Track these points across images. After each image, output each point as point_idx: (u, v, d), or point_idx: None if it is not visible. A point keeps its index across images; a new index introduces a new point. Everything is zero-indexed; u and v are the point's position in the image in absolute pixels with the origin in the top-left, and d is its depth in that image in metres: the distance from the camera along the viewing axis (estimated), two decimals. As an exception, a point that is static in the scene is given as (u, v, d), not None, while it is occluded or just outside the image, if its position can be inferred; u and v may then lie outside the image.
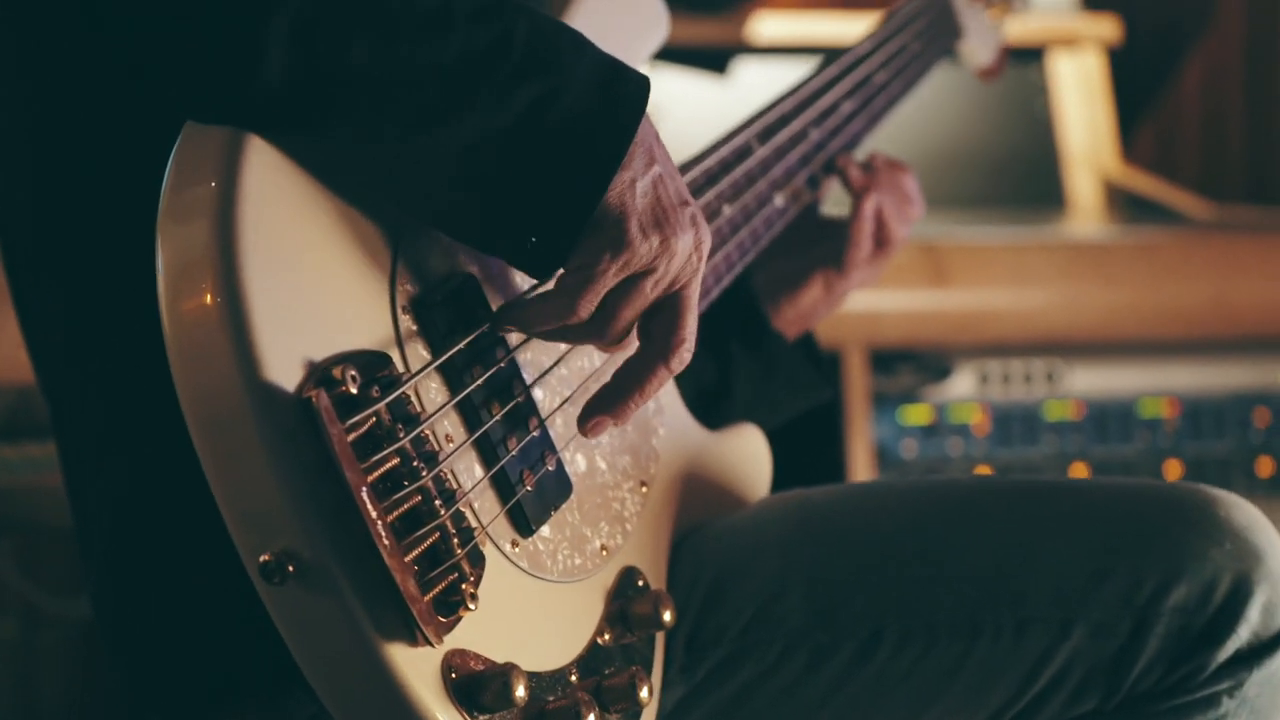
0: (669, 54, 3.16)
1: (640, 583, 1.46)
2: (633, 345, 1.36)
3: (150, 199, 1.22)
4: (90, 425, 1.46)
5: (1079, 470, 2.87)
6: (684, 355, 1.34)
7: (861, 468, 2.74)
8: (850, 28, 3.16)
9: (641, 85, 1.29)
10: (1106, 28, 3.42)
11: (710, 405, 1.78)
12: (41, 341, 1.51)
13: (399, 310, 1.29)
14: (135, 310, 1.28)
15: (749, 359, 1.85)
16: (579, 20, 1.59)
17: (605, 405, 1.36)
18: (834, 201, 1.88)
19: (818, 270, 1.86)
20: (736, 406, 1.83)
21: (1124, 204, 3.31)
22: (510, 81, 1.23)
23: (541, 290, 1.34)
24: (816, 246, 1.86)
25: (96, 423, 1.45)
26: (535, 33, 1.26)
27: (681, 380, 1.65)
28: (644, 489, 1.53)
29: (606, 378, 1.44)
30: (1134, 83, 3.60)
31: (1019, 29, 2.92)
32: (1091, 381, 2.89)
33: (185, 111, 1.23)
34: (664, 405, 1.61)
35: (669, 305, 1.33)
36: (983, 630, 1.48)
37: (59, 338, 1.48)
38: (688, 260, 1.31)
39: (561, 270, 1.29)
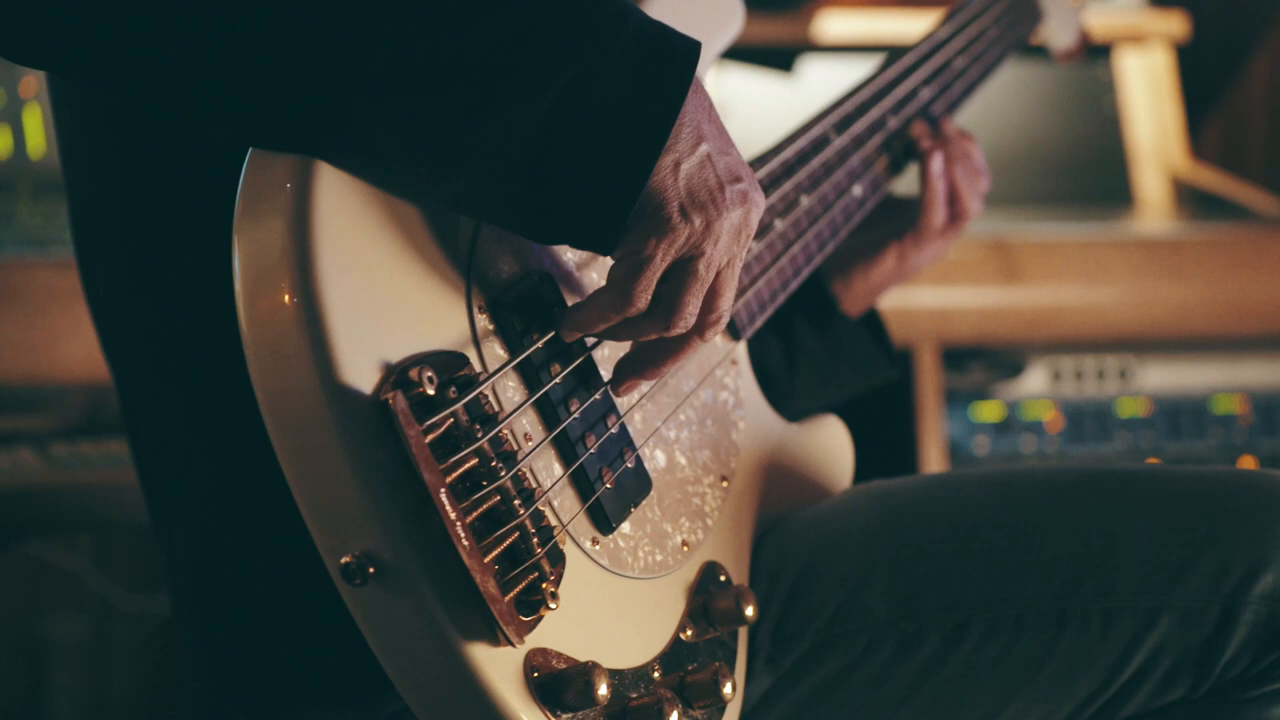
0: (735, 52, 3.16)
1: (722, 577, 1.46)
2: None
3: (228, 201, 1.22)
4: (170, 427, 1.47)
5: (1152, 467, 2.85)
6: (718, 328, 1.31)
7: (934, 465, 2.74)
8: (916, 25, 3.15)
9: (687, 57, 1.25)
10: (1174, 24, 3.40)
11: (774, 385, 1.77)
12: (118, 342, 1.52)
13: (475, 310, 1.28)
14: (214, 311, 1.28)
15: (815, 340, 1.84)
16: (653, 10, 1.57)
17: (637, 369, 1.35)
18: (904, 185, 1.87)
19: (891, 243, 1.85)
20: (801, 386, 1.82)
21: (1191, 200, 3.29)
22: (542, 70, 1.20)
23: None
24: (888, 220, 1.85)
25: (176, 425, 1.46)
26: (570, 11, 1.22)
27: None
28: (725, 483, 1.52)
29: (686, 369, 1.44)
30: (1201, 79, 3.58)
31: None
32: (1164, 378, 2.88)
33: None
34: (744, 399, 1.60)
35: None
36: (1070, 620, 1.47)
37: (137, 338, 1.49)
38: (735, 238, 1.28)
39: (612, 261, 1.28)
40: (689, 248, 1.25)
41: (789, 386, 1.80)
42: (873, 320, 1.91)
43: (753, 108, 3.20)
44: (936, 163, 1.80)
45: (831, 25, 3.24)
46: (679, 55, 1.24)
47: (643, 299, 1.26)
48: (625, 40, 1.23)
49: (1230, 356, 2.90)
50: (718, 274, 1.29)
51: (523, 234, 1.27)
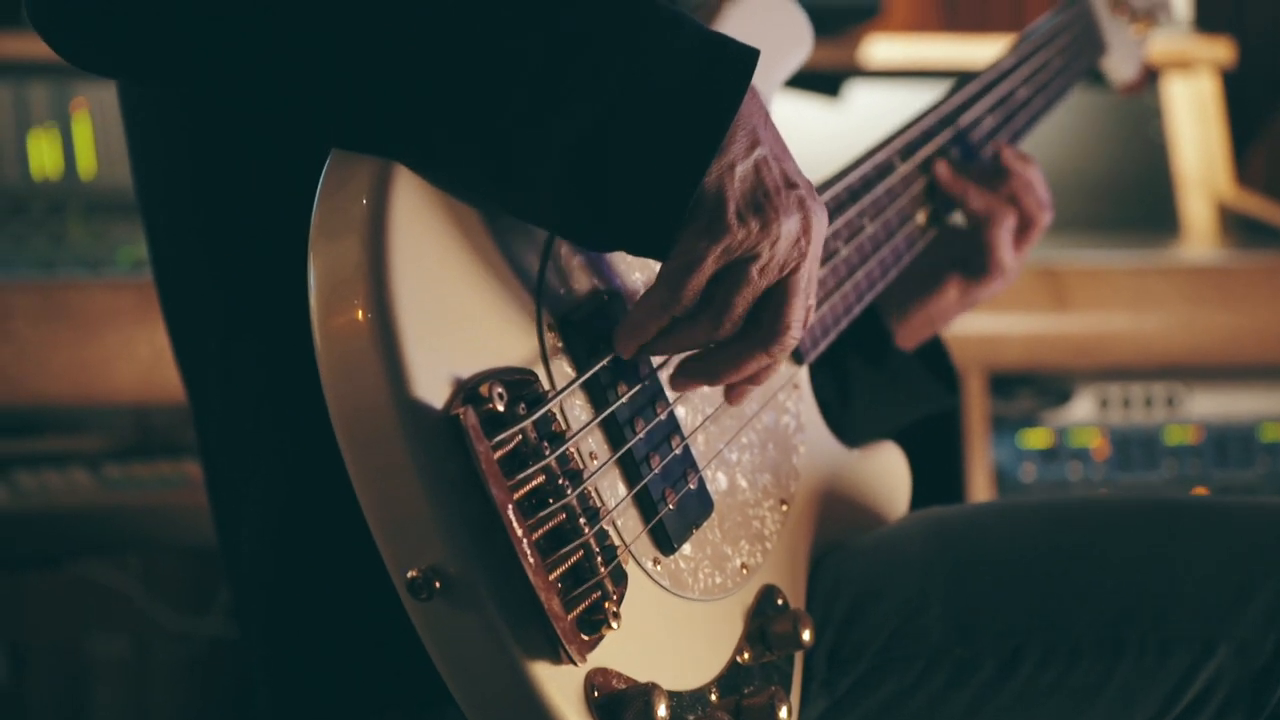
0: (782, 78, 3.17)
1: (780, 601, 1.46)
2: None
3: (304, 217, 1.23)
4: (241, 436, 1.48)
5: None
6: (787, 342, 1.29)
7: (981, 491, 2.74)
8: (963, 51, 3.16)
9: (744, 62, 1.24)
10: (1220, 50, 3.40)
11: (828, 419, 1.77)
12: (193, 359, 1.54)
13: (544, 327, 1.29)
14: (288, 327, 1.29)
15: (870, 374, 1.84)
16: (724, 28, 1.58)
17: (701, 369, 1.33)
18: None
19: (952, 277, 1.83)
20: (856, 416, 1.82)
21: (1237, 227, 3.28)
22: (598, 70, 1.20)
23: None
24: (948, 250, 1.83)
25: (247, 434, 1.48)
26: (627, 15, 1.22)
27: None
28: (784, 507, 1.52)
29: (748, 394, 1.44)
30: (1247, 105, 3.58)
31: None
32: (1212, 406, 2.88)
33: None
34: (805, 423, 1.60)
35: (775, 291, 1.28)
36: (1126, 649, 1.47)
37: (211, 357, 1.50)
38: (794, 244, 1.26)
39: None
40: (743, 250, 1.25)
41: (844, 417, 1.80)
42: (930, 348, 1.90)
43: (799, 132, 3.19)
44: (1002, 232, 1.79)
45: (878, 51, 3.25)
46: (736, 59, 1.24)
47: (689, 296, 1.25)
48: (682, 43, 1.23)
49: (1278, 385, 2.89)
50: (783, 284, 1.28)
51: (578, 239, 1.28)
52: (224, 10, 1.19)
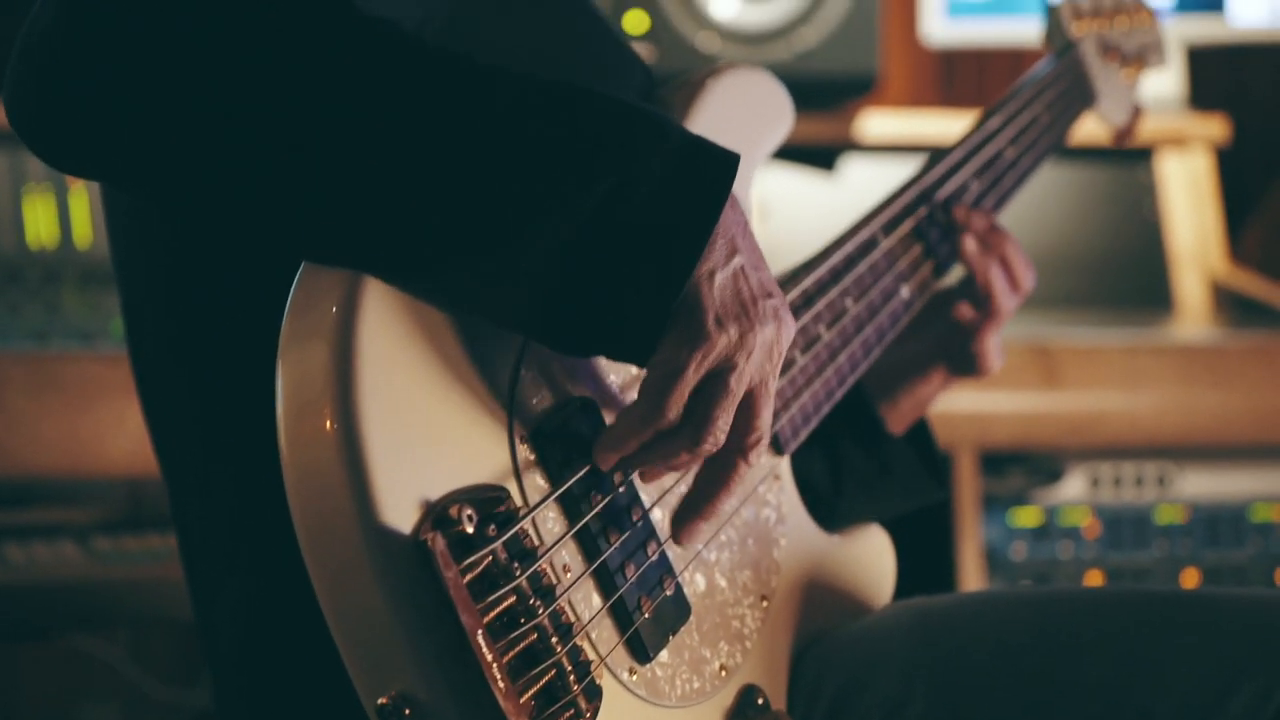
0: (778, 151, 3.17)
1: (760, 701, 1.45)
2: None
3: (281, 308, 1.23)
4: (217, 524, 1.48)
5: (1190, 575, 2.85)
6: (760, 449, 1.30)
7: (971, 569, 2.73)
8: (957, 125, 3.15)
9: (725, 169, 1.25)
10: (1214, 128, 3.41)
11: (820, 502, 1.77)
12: (169, 436, 1.54)
13: (517, 440, 1.28)
14: (261, 424, 1.29)
15: (862, 461, 1.83)
16: (704, 113, 1.58)
17: (693, 511, 1.34)
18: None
19: (939, 361, 1.83)
20: (847, 507, 1.81)
21: (1231, 305, 3.29)
22: (580, 180, 1.20)
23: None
24: (932, 330, 1.83)
25: (223, 522, 1.47)
26: (609, 123, 1.23)
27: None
28: (764, 603, 1.52)
29: None
30: (1241, 182, 3.59)
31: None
32: (1203, 486, 2.88)
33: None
34: (785, 515, 1.59)
35: (746, 399, 1.29)
36: None
37: (187, 434, 1.50)
38: (769, 354, 1.28)
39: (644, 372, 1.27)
40: (721, 360, 1.25)
41: (835, 506, 1.79)
42: (919, 437, 1.90)
43: (794, 206, 3.22)
44: (1007, 304, 1.80)
45: (873, 125, 3.26)
46: (716, 167, 1.25)
47: (674, 410, 1.26)
48: (663, 153, 1.23)
49: (1269, 465, 2.89)
50: (752, 393, 1.28)
51: (557, 347, 1.27)
52: (201, 128, 1.19)
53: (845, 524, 1.73)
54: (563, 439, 1.31)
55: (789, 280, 1.59)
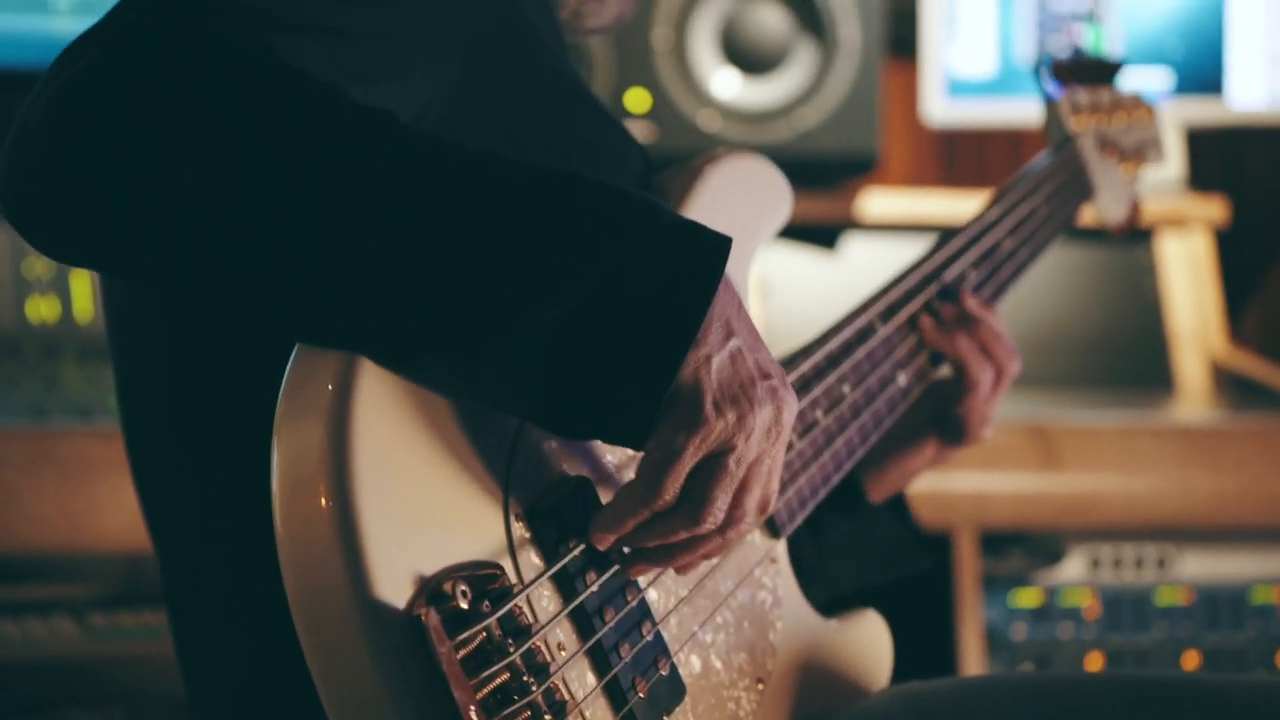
0: (779, 230, 3.18)
1: (754, 784, 1.45)
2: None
3: (273, 393, 1.23)
4: (208, 606, 1.48)
5: (1191, 658, 2.84)
6: (743, 529, 1.30)
7: (971, 650, 2.73)
8: (958, 205, 3.18)
9: (717, 253, 1.25)
10: (1214, 209, 3.42)
11: (808, 576, 1.77)
12: (161, 521, 1.54)
13: (512, 518, 1.28)
14: (255, 500, 1.29)
15: (842, 524, 1.83)
16: (701, 199, 1.58)
17: (660, 559, 1.33)
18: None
19: (930, 436, 1.84)
20: (832, 571, 1.81)
21: (1231, 386, 3.29)
22: (574, 266, 1.21)
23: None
24: (925, 408, 1.83)
25: (214, 604, 1.47)
26: (602, 208, 1.23)
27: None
28: (760, 686, 1.51)
29: (724, 569, 1.43)
30: (1241, 263, 3.60)
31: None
32: (1203, 567, 2.87)
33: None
34: (782, 598, 1.59)
35: (744, 478, 1.30)
36: None
37: (180, 521, 1.50)
38: (767, 434, 1.28)
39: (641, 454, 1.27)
40: (720, 442, 1.25)
41: (821, 572, 1.79)
42: (899, 505, 1.90)
43: (795, 284, 3.22)
44: (986, 378, 1.80)
45: (874, 204, 3.27)
46: (708, 251, 1.25)
47: (671, 491, 1.26)
48: (655, 238, 1.24)
49: (1269, 547, 2.89)
50: (751, 474, 1.29)
51: (552, 430, 1.27)
52: (190, 218, 1.19)
53: (832, 589, 1.73)
54: (558, 517, 1.31)
55: (786, 365, 1.60)
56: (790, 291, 3.21)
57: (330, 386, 1.20)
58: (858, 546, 1.85)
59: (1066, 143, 2.08)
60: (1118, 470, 2.77)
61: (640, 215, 1.24)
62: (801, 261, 3.25)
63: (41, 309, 2.86)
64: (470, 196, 1.21)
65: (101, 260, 1.25)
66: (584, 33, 1.72)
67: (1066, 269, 3.31)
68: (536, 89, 1.54)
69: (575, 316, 1.21)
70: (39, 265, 2.87)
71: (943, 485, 2.59)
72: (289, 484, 1.19)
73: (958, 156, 3.76)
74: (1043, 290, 3.26)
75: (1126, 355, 3.32)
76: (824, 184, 3.31)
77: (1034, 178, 2.00)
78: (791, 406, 1.30)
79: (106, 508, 2.34)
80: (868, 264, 3.22)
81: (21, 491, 2.33)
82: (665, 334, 1.23)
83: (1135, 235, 3.38)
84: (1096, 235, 3.31)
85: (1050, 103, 2.11)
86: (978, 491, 2.68)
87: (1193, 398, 3.24)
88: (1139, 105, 2.24)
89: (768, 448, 1.29)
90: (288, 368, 1.23)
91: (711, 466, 1.26)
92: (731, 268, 1.27)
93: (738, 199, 1.63)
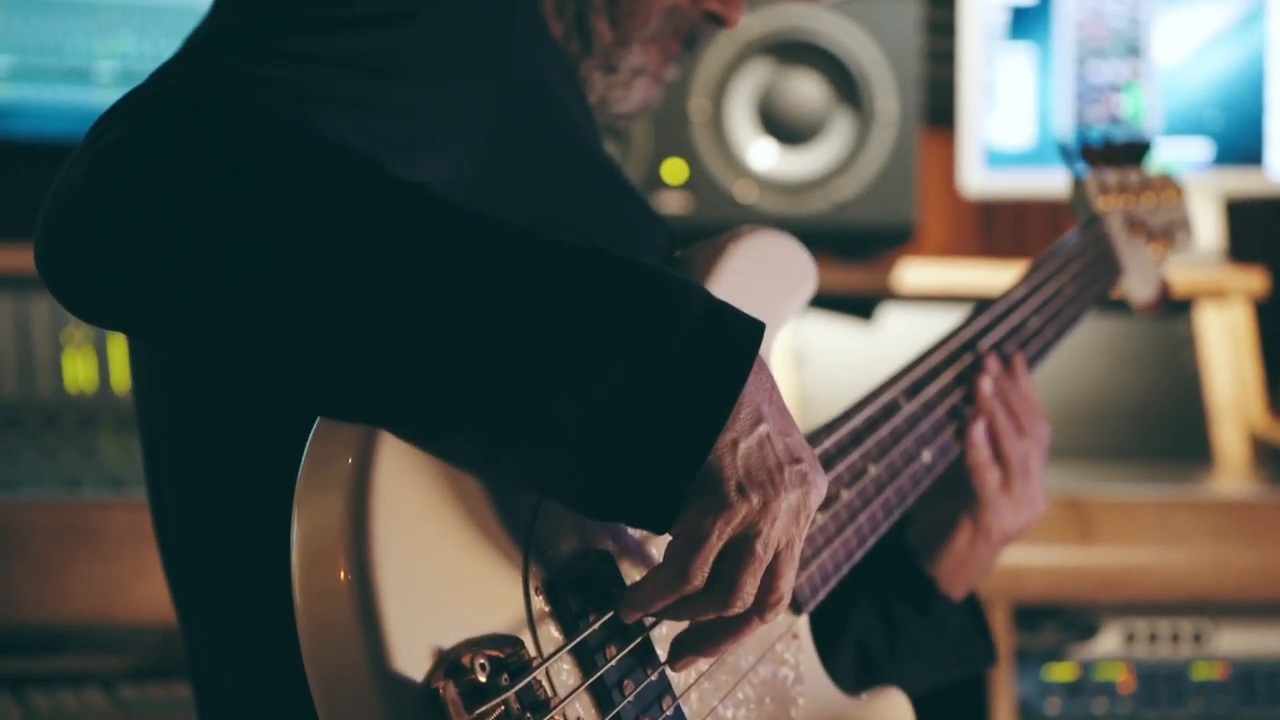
0: (816, 300, 3.17)
1: None
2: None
3: (295, 467, 1.23)
4: (230, 676, 1.48)
5: (1228, 733, 2.82)
6: (778, 609, 1.30)
7: (1005, 726, 2.71)
8: (995, 276, 3.18)
9: (749, 338, 1.25)
10: (1253, 280, 3.41)
11: (874, 668, 1.76)
12: (183, 587, 1.55)
13: (532, 591, 1.28)
14: (276, 572, 1.30)
15: (917, 624, 1.82)
16: (725, 276, 1.58)
17: (697, 646, 1.33)
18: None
19: (962, 512, 1.82)
20: (900, 671, 1.80)
21: (1271, 459, 3.27)
22: (606, 350, 1.21)
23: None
24: (956, 487, 1.82)
25: (237, 675, 1.48)
26: (636, 292, 1.23)
27: (841, 643, 1.62)
28: None
29: (745, 645, 1.42)
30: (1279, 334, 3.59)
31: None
32: (1239, 642, 2.85)
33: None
34: (804, 674, 1.58)
35: (772, 561, 1.29)
36: None
37: (202, 592, 1.51)
38: (795, 518, 1.27)
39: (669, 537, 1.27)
40: (745, 526, 1.25)
41: (891, 671, 1.78)
42: (974, 604, 1.89)
43: (831, 354, 3.22)
44: (978, 428, 1.79)
45: (911, 275, 3.27)
46: (741, 337, 1.25)
47: (699, 576, 1.26)
48: (688, 322, 1.24)
49: (1307, 621, 2.87)
50: (776, 554, 1.28)
51: (578, 510, 1.27)
52: (226, 279, 1.19)
53: (896, 686, 1.72)
54: (578, 591, 1.31)
55: (809, 441, 1.59)
56: (826, 362, 3.20)
57: (350, 460, 1.20)
58: (931, 647, 1.84)
59: (1093, 222, 2.08)
60: (1153, 543, 2.76)
61: (676, 298, 1.25)
62: (838, 332, 3.25)
63: (80, 378, 2.88)
64: (507, 277, 1.21)
65: (133, 322, 1.25)
66: (611, 119, 1.73)
67: (1105, 340, 3.30)
68: (565, 166, 1.54)
69: (606, 399, 1.21)
70: (78, 334, 2.89)
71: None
72: (308, 557, 1.19)
73: (996, 227, 3.76)
74: (1081, 361, 3.25)
75: (1165, 427, 3.31)
76: (861, 255, 3.31)
77: (1061, 256, 2.00)
78: (820, 489, 1.30)
79: (138, 580, 2.35)
80: (904, 334, 3.22)
81: (53, 563, 2.34)
82: (695, 420, 1.22)
83: (1174, 307, 3.37)
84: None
85: (1077, 182, 2.12)
86: (1011, 564, 2.66)
87: (1231, 470, 3.22)
88: (1168, 186, 2.24)
89: (796, 531, 1.29)
90: (309, 439, 1.23)
91: (739, 550, 1.26)
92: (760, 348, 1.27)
93: (762, 276, 1.63)
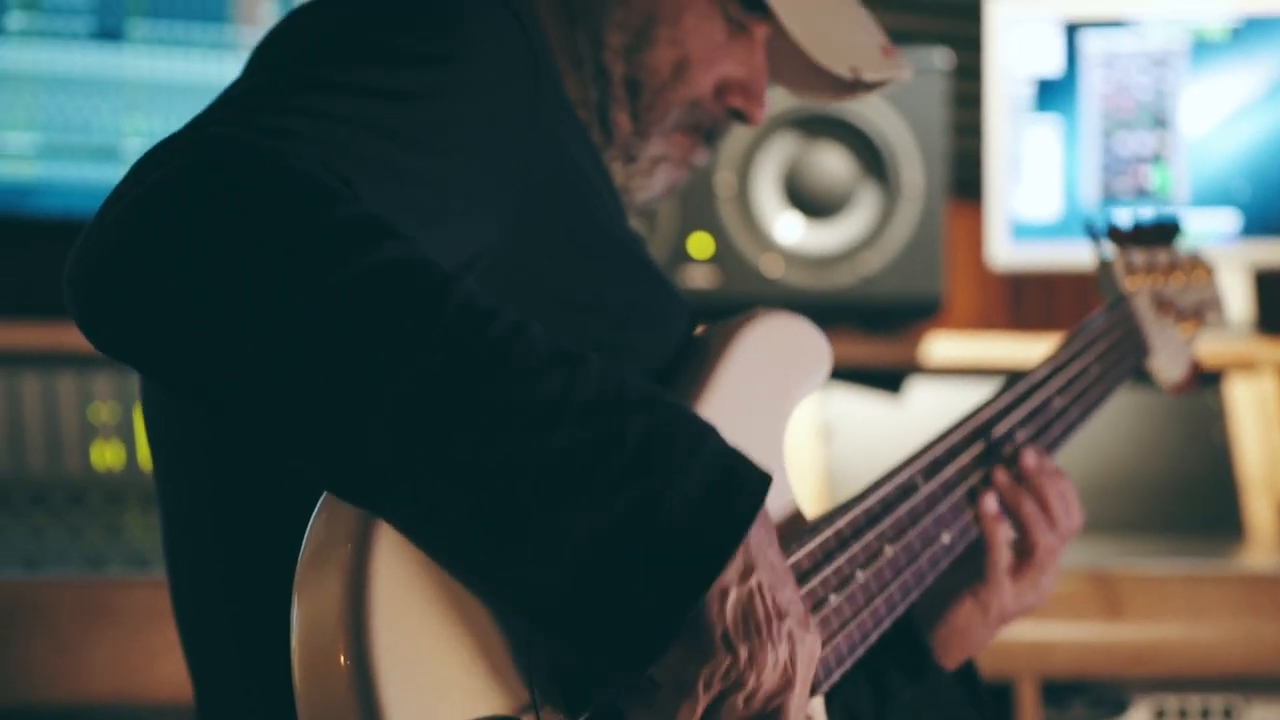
0: (843, 373, 3.18)
1: None
2: None
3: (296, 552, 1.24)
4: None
5: (1259, 810, 2.80)
6: None
7: (1034, 803, 2.69)
8: (1024, 350, 3.17)
9: (756, 490, 1.26)
10: (1284, 351, 3.40)
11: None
12: (204, 675, 1.55)
13: (534, 689, 1.27)
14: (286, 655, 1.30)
15: (909, 692, 1.81)
16: (738, 358, 1.58)
17: None
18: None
19: (965, 587, 1.81)
20: None
21: (1303, 531, 3.25)
22: (613, 483, 1.21)
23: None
24: (964, 561, 1.80)
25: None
26: (650, 431, 1.24)
27: (830, 707, 1.61)
28: None
29: None
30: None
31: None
32: (1270, 718, 2.82)
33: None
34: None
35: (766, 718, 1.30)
36: None
37: (222, 651, 1.51)
38: (781, 674, 1.28)
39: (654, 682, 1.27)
40: (730, 678, 1.26)
41: None
42: (967, 672, 1.87)
43: (858, 428, 3.21)
44: (989, 503, 1.78)
45: (939, 348, 3.26)
46: (747, 489, 1.26)
47: None
48: (700, 467, 1.24)
49: (1340, 697, 2.85)
50: (775, 714, 1.29)
51: (560, 638, 1.26)
52: (235, 336, 1.20)
53: None
54: (579, 679, 1.30)
55: (823, 523, 1.59)
56: (854, 436, 3.19)
57: (350, 544, 1.21)
58: (922, 716, 1.82)
59: (1120, 302, 2.07)
60: (1183, 618, 2.74)
61: (690, 440, 1.25)
62: (865, 405, 3.24)
63: (107, 455, 2.89)
64: (525, 395, 1.22)
65: (157, 361, 1.25)
66: (634, 206, 1.74)
67: (1133, 412, 3.29)
68: (587, 243, 1.55)
69: (605, 530, 1.21)
70: (104, 411, 2.90)
71: (1003, 634, 2.56)
72: (308, 640, 1.19)
73: (1025, 299, 3.75)
74: (1110, 434, 3.24)
75: (1195, 500, 3.28)
76: (887, 328, 3.31)
77: (1086, 336, 1.99)
78: (808, 647, 1.30)
79: (161, 658, 2.34)
80: (932, 408, 3.21)
81: (76, 641, 2.34)
82: (692, 564, 1.23)
83: (1203, 379, 3.34)
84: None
85: (1104, 263, 2.11)
86: (1038, 640, 2.65)
87: (1262, 543, 3.20)
88: (1197, 266, 2.23)
89: (781, 688, 1.29)
90: (310, 521, 1.24)
91: (723, 705, 1.27)
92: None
93: (775, 359, 1.63)
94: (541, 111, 1.50)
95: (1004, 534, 1.78)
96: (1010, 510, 1.78)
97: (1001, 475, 1.78)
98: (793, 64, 1.74)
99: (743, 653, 1.25)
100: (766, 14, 1.66)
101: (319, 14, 1.48)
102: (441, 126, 1.40)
